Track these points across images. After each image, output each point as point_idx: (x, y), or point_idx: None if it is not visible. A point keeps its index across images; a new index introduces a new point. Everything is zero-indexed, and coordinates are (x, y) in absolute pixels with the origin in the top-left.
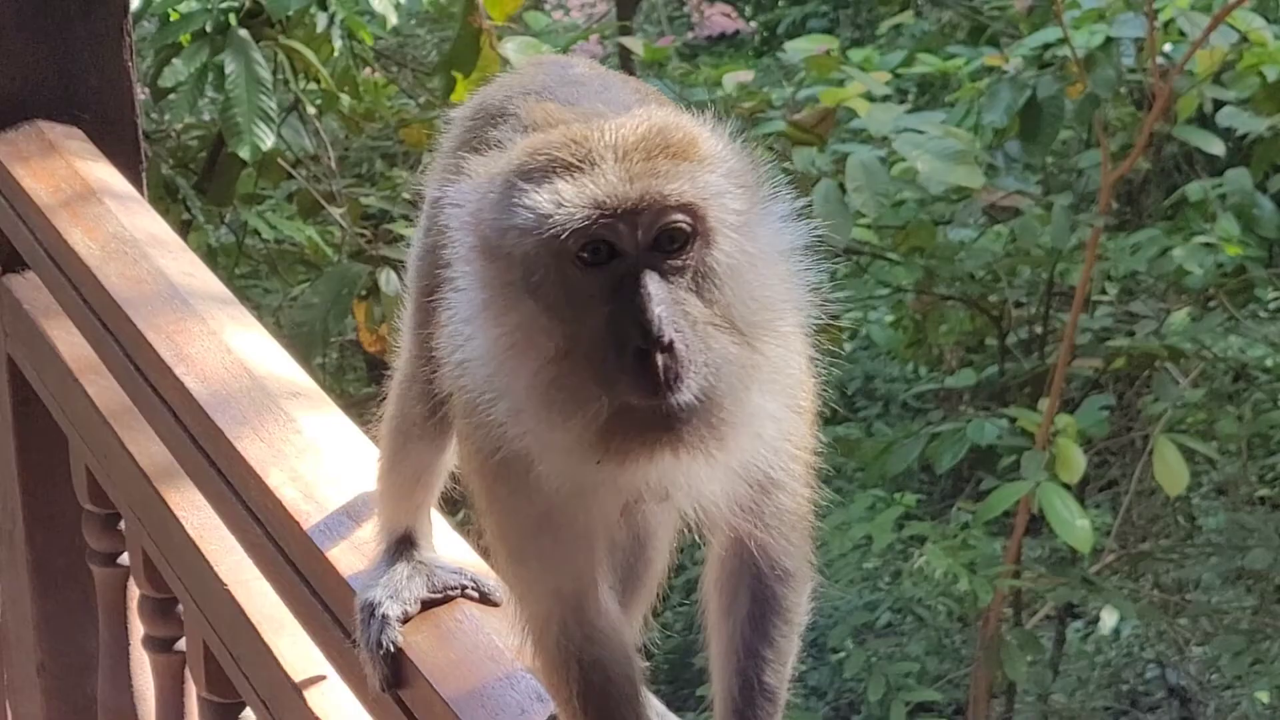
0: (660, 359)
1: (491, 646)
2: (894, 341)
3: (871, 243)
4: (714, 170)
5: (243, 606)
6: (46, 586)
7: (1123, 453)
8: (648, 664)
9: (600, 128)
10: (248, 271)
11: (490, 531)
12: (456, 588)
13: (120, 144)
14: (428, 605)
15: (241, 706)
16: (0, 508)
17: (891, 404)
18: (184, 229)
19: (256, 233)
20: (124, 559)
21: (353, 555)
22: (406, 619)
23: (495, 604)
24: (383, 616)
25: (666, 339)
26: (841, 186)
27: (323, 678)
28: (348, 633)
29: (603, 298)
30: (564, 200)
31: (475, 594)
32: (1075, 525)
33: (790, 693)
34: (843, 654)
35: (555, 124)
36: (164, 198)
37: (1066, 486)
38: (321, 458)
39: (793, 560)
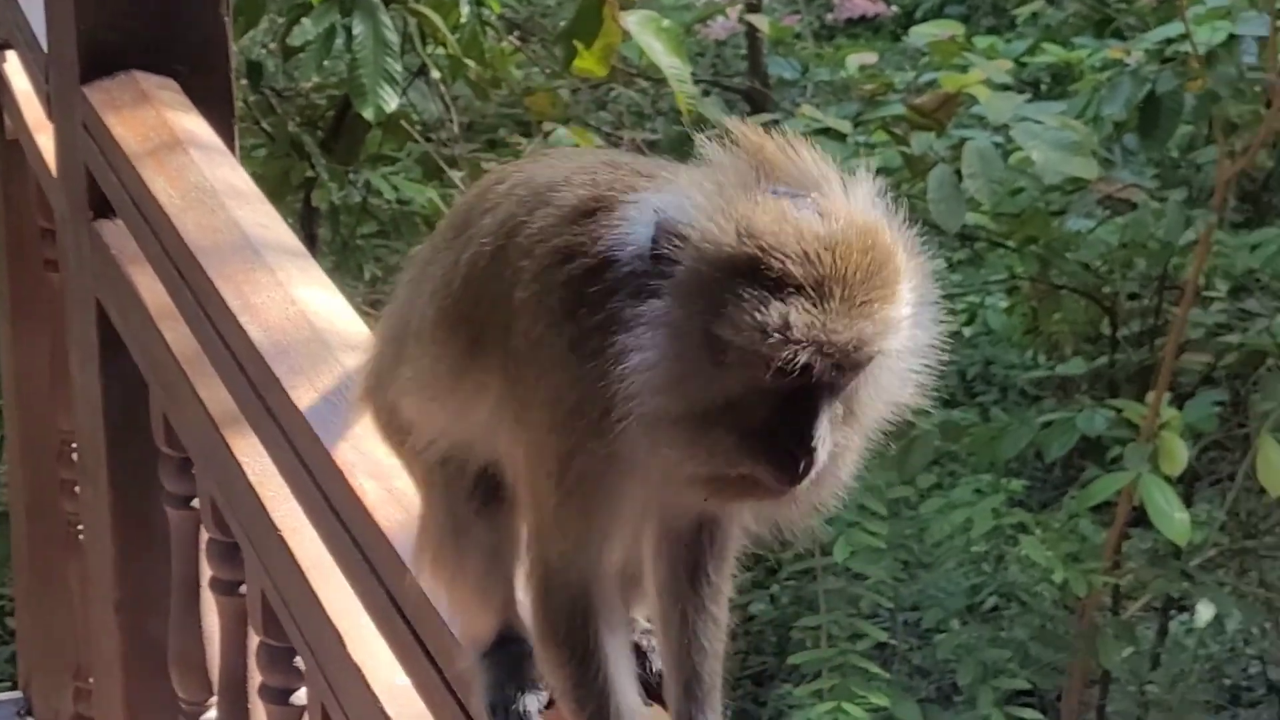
0: (803, 463)
1: None
2: (1010, 328)
3: (988, 229)
4: (906, 304)
5: (294, 553)
6: (126, 526)
7: (1235, 448)
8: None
9: (832, 241)
10: (374, 231)
11: (557, 458)
12: None
13: (213, 97)
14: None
15: (294, 653)
16: (87, 448)
17: (1009, 390)
18: (308, 186)
19: (378, 193)
20: (196, 503)
21: (393, 506)
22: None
23: None
24: (523, 712)
25: (819, 456)
26: (958, 173)
27: (361, 627)
28: (382, 581)
29: (776, 395)
30: (791, 333)
31: None
32: (1174, 518)
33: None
34: (945, 634)
35: (793, 175)
36: (290, 154)
37: (1169, 480)
38: None
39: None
